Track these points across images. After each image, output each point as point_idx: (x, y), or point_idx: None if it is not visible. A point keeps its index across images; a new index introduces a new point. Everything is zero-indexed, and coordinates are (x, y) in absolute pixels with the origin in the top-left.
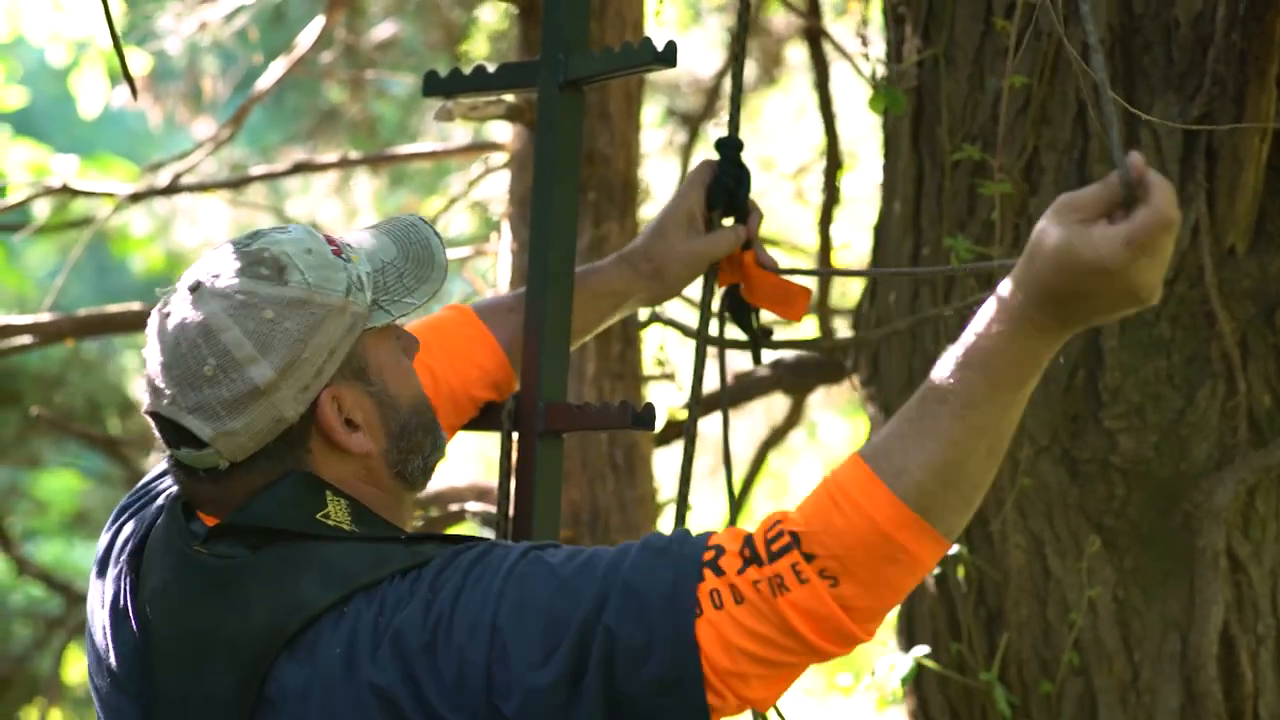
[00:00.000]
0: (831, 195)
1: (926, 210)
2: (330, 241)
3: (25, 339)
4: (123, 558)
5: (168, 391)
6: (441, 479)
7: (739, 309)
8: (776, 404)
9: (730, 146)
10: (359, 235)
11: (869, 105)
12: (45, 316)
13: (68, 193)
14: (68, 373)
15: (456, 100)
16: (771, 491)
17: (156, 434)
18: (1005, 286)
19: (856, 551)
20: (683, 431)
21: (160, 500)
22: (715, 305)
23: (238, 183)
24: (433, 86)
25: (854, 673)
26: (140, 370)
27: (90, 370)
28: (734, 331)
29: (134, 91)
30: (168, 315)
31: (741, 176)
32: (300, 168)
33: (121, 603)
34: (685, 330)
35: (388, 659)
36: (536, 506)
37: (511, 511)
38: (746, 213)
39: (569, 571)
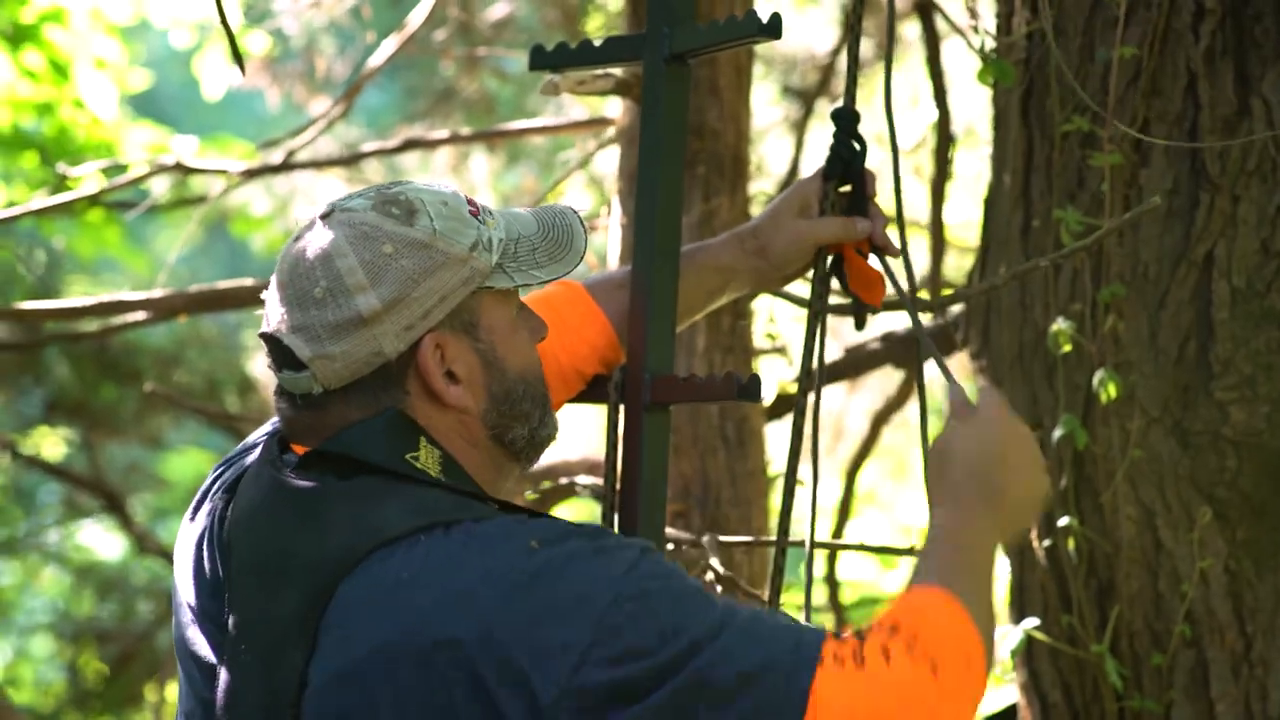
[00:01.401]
0: (943, 170)
1: (1036, 183)
2: (471, 204)
3: (139, 315)
4: (216, 494)
5: (281, 311)
6: (553, 453)
7: (845, 276)
8: (894, 379)
9: (846, 119)
10: (508, 210)
11: (978, 78)
12: (158, 292)
13: (182, 170)
14: (186, 351)
15: (564, 75)
16: (886, 470)
17: (267, 358)
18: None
19: (951, 646)
20: (794, 405)
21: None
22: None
23: (350, 159)
24: (539, 60)
25: None
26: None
27: (208, 348)
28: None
29: (242, 70)
30: (297, 239)
31: (857, 148)
32: (411, 144)
33: (210, 534)
34: (794, 299)
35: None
36: (643, 479)
37: (619, 485)
38: (864, 184)
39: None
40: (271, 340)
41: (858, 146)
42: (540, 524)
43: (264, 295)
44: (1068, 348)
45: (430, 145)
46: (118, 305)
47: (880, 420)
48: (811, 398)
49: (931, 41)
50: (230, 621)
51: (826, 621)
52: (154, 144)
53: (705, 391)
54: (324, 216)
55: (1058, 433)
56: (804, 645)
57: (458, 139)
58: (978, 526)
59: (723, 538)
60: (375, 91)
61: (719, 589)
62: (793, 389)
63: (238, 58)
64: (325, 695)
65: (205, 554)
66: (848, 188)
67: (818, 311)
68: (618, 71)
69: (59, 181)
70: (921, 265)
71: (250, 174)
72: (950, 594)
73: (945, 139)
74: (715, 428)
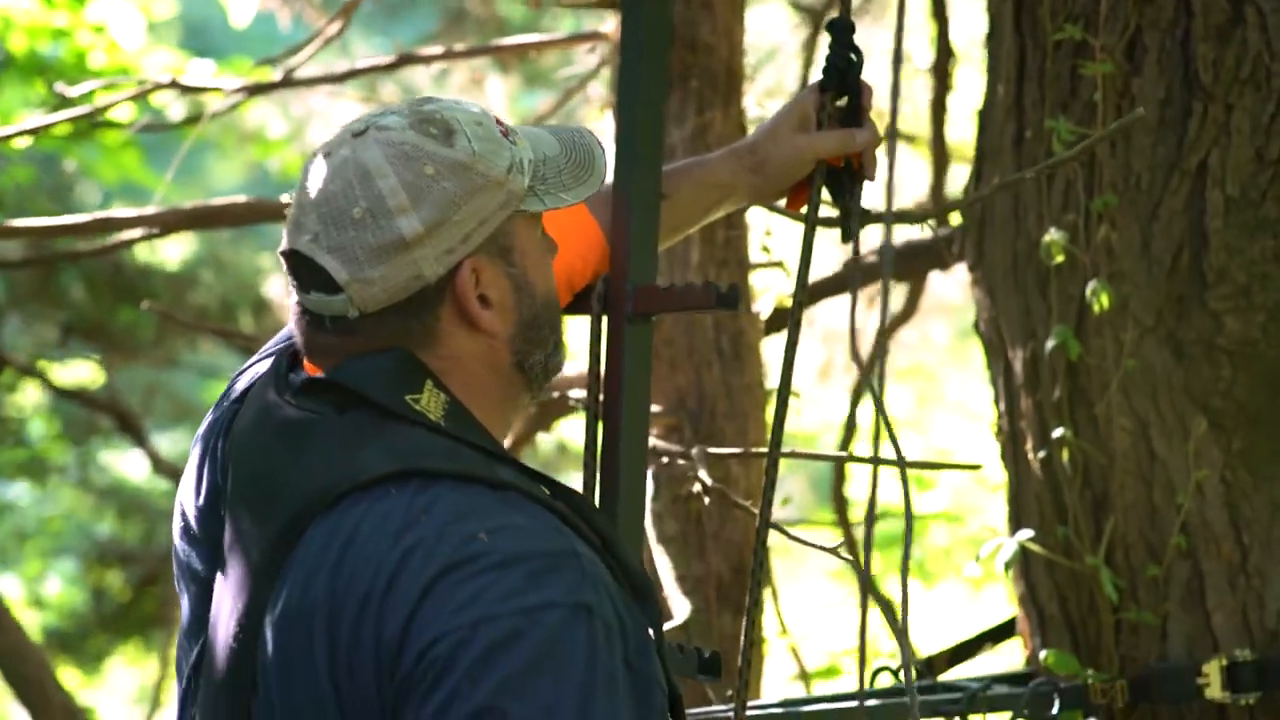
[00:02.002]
0: (943, 84)
1: (1029, 93)
2: (499, 123)
3: (136, 232)
4: (225, 405)
5: (311, 228)
6: None
7: (836, 187)
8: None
9: (841, 29)
10: (526, 129)
11: None
12: (152, 209)
13: (178, 89)
14: (200, 272)
15: None
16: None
17: (288, 275)
18: None
19: None
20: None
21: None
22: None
23: (343, 77)
24: None
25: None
26: (286, 211)
27: (224, 270)
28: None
29: None
30: (328, 155)
31: (853, 59)
32: (405, 60)
33: (212, 447)
34: (788, 213)
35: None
36: (626, 390)
37: (602, 396)
38: (860, 95)
39: None
40: (301, 259)
41: (854, 57)
42: (508, 511)
43: (286, 209)
44: (1060, 258)
45: (422, 61)
46: (114, 222)
47: (886, 335)
48: (827, 307)
49: None
50: (224, 539)
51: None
52: (171, 68)
53: (683, 300)
54: (358, 134)
55: (1051, 343)
56: None
57: (451, 55)
58: None
59: (712, 449)
60: (389, 12)
61: (707, 500)
62: (789, 302)
63: None
64: (276, 631)
65: (206, 467)
66: (844, 100)
67: (813, 224)
68: None
69: (59, 102)
70: (924, 180)
71: (251, 91)
72: None
73: (945, 52)
74: (710, 341)
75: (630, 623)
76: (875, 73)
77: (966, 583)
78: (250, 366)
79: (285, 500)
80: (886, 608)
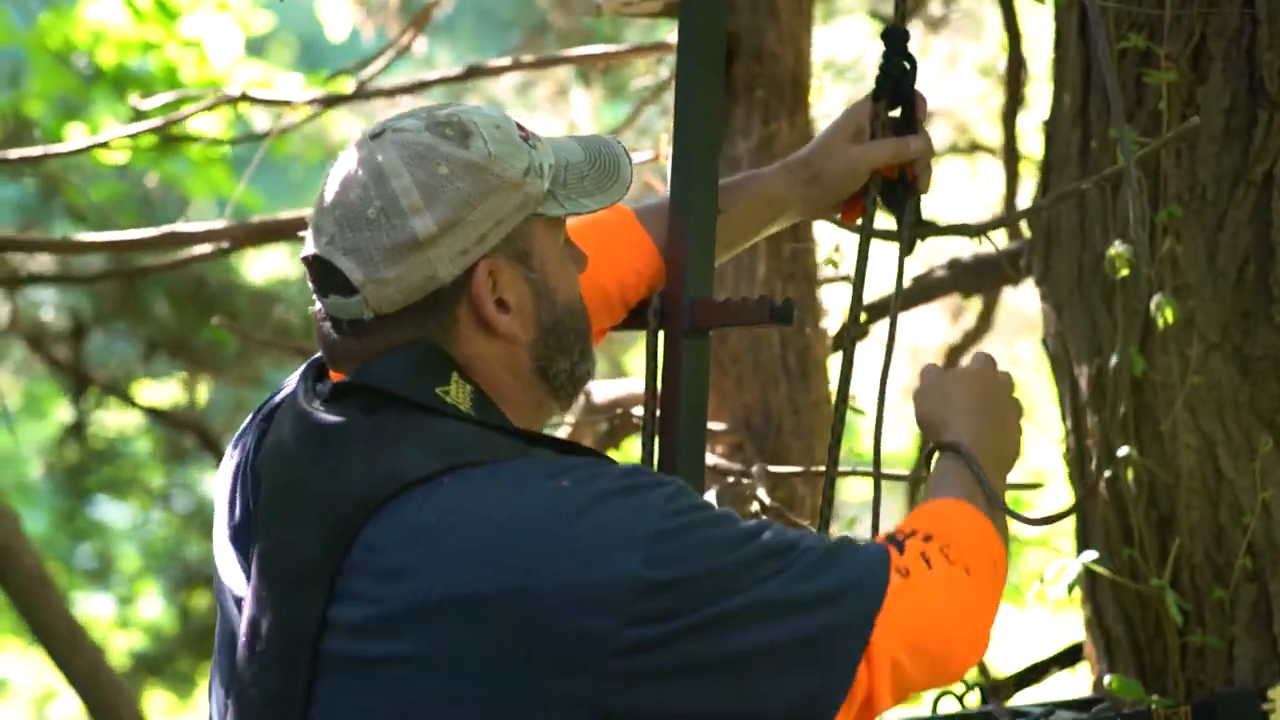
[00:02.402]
0: (1015, 94)
1: (1094, 102)
2: (520, 128)
3: (205, 248)
4: (255, 423)
5: (328, 230)
6: (621, 386)
7: (893, 199)
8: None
9: (896, 37)
10: (554, 138)
11: None
12: (219, 224)
13: (247, 101)
14: (284, 290)
15: None
16: None
17: (309, 282)
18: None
19: (980, 551)
20: (860, 334)
21: None
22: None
23: (412, 89)
24: None
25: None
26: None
27: (306, 285)
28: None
29: None
30: (347, 158)
31: (907, 67)
32: (472, 72)
33: (243, 464)
34: (843, 224)
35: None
36: (683, 405)
37: (659, 411)
38: (914, 104)
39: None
40: (319, 263)
41: (907, 65)
42: (567, 462)
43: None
44: (1125, 272)
45: (492, 73)
46: (181, 236)
47: (957, 352)
48: (901, 322)
49: None
50: (255, 553)
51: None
52: (259, 81)
53: (738, 315)
54: (374, 136)
55: (1115, 359)
56: (872, 568)
57: (518, 66)
58: (987, 449)
59: (772, 467)
60: (473, 25)
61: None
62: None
63: None
64: (353, 641)
65: (238, 485)
66: (898, 110)
67: (868, 235)
68: None
69: (134, 116)
70: (997, 191)
71: (325, 104)
72: (971, 505)
73: (1016, 62)
74: (777, 358)
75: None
76: (956, 83)
77: (1055, 605)
78: (285, 386)
79: (324, 507)
80: None
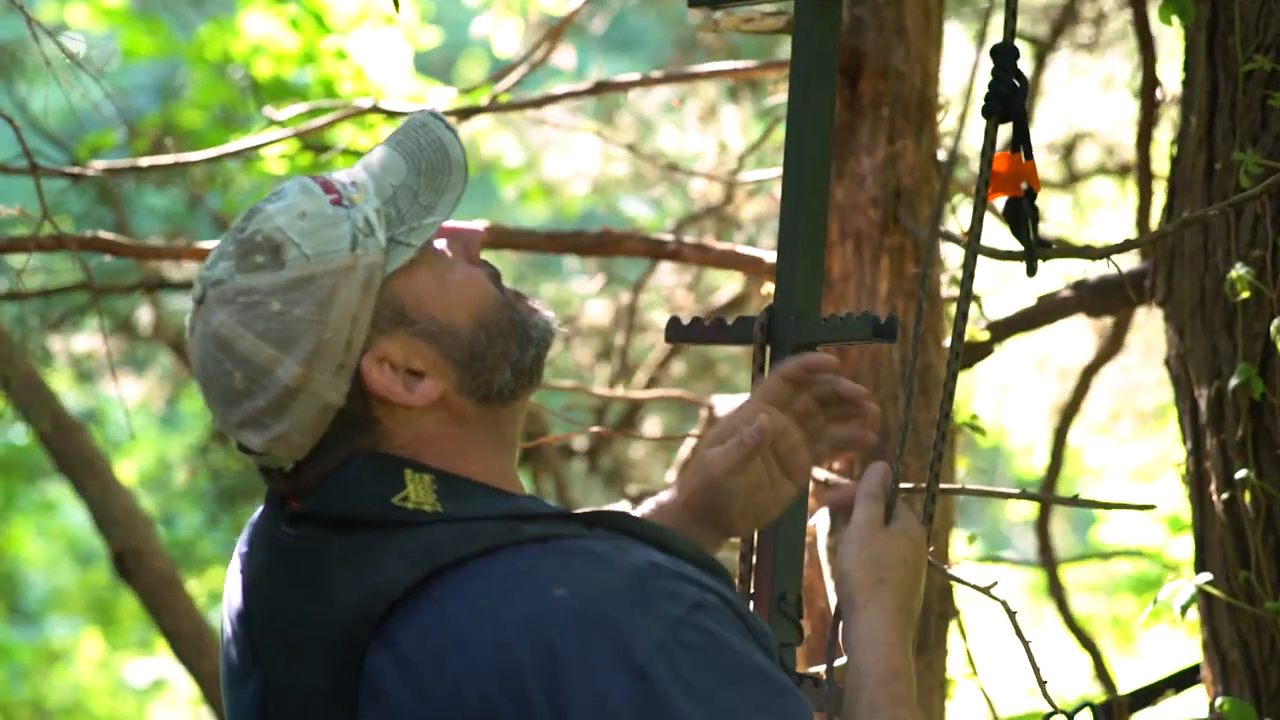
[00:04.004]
0: (1149, 115)
1: (1220, 124)
2: (329, 189)
3: None
4: (236, 554)
5: (218, 411)
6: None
7: (1016, 219)
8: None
9: (1005, 54)
10: (368, 158)
11: (1159, 16)
12: None
13: (379, 113)
14: None
15: (727, 12)
16: (1095, 426)
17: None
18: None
19: None
20: (983, 353)
21: None
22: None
23: (541, 101)
24: None
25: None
26: None
27: None
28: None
29: (396, 4)
30: (193, 333)
31: (1017, 85)
32: (601, 87)
33: (233, 600)
34: (957, 240)
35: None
36: None
37: None
38: (1024, 122)
39: None
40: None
41: (1017, 83)
42: (566, 552)
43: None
44: (1246, 294)
45: (620, 88)
46: None
47: (1090, 372)
48: (1032, 341)
49: None
50: (266, 687)
51: (1037, 579)
52: (413, 95)
53: (844, 331)
54: (200, 301)
55: (1234, 382)
56: None
57: (647, 81)
58: (903, 634)
59: None
60: (622, 42)
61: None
62: (982, 336)
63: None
64: None
65: (236, 613)
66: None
67: (974, 253)
68: (788, 9)
69: (269, 125)
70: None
71: (462, 115)
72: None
73: (1150, 83)
74: (897, 375)
75: (721, 593)
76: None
77: (1186, 627)
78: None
79: (320, 636)
80: (1089, 646)
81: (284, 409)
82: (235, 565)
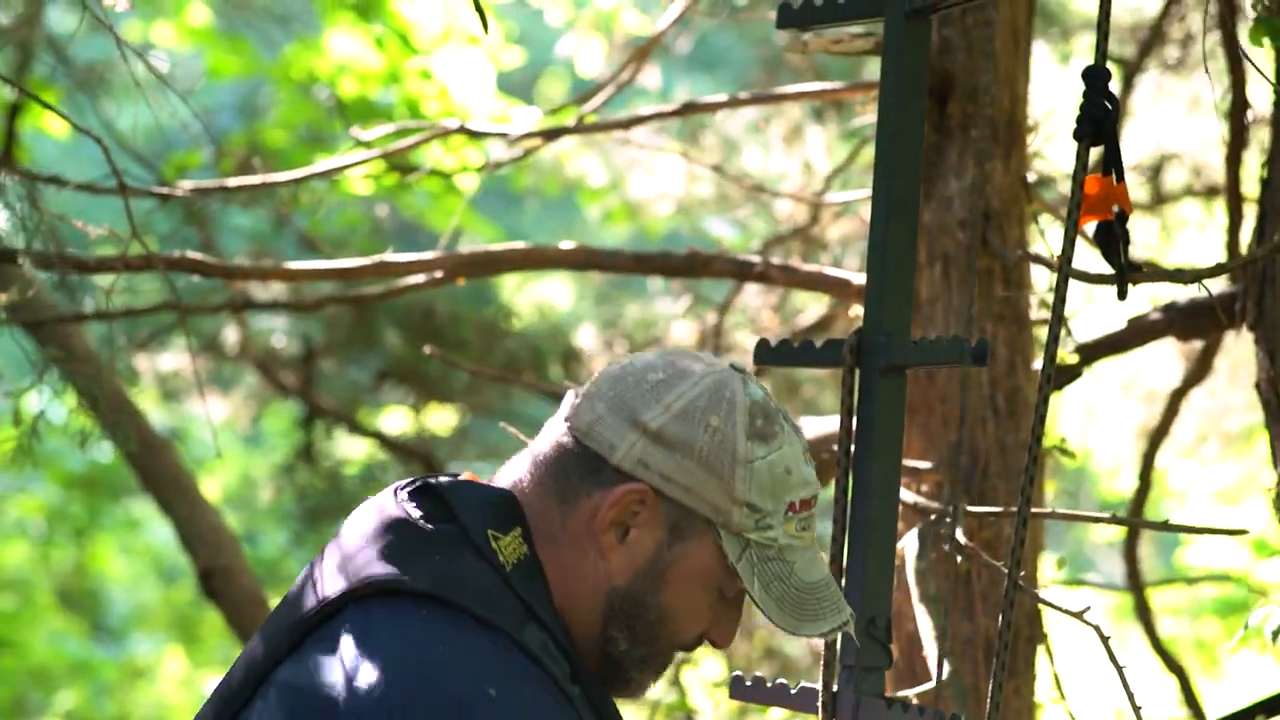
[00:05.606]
0: (1239, 136)
1: None
2: (805, 504)
3: (418, 278)
4: None
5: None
6: (826, 424)
7: (1108, 243)
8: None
9: (1097, 77)
10: (814, 555)
11: (1249, 38)
12: (428, 254)
13: (465, 134)
14: (509, 321)
15: (816, 33)
16: (1181, 448)
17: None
18: None
19: None
20: (1072, 375)
21: None
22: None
23: (629, 123)
24: (786, 18)
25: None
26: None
27: (537, 318)
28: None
29: (485, 25)
30: (707, 373)
31: (1109, 108)
32: (689, 108)
33: None
34: (1048, 263)
35: None
36: (877, 443)
37: (853, 449)
38: (1116, 144)
39: None
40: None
41: (1109, 105)
42: (524, 679)
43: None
44: None
45: (707, 109)
46: (392, 266)
47: (1179, 395)
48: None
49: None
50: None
51: (1122, 602)
52: (497, 115)
53: (935, 354)
54: (740, 370)
55: None
56: None
57: (735, 103)
58: None
59: (971, 507)
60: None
61: (959, 559)
62: (1071, 359)
63: (480, 12)
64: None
65: None
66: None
67: (1065, 276)
68: (878, 30)
69: (354, 145)
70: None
71: (547, 137)
72: None
73: (1240, 103)
74: (985, 397)
75: None
76: (1192, 124)
77: (1275, 652)
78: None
79: (330, 580)
80: (1177, 670)
81: (617, 412)
82: None
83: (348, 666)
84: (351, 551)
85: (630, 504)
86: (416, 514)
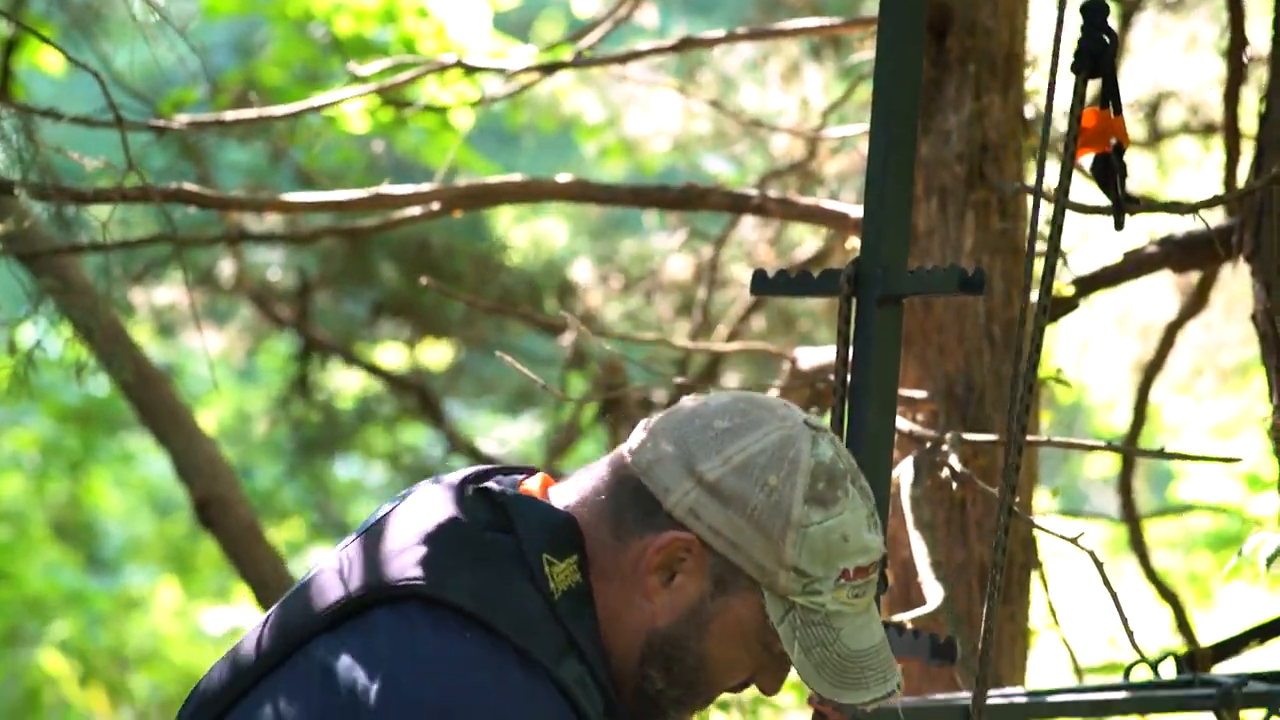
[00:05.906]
0: (1236, 73)
1: None
2: (861, 570)
3: (415, 210)
4: None
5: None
6: (824, 353)
7: (1106, 174)
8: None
9: (1095, 10)
10: (874, 625)
11: None
12: (425, 186)
13: (461, 68)
14: (505, 255)
15: None
16: (1176, 383)
17: None
18: None
19: None
20: (1067, 308)
21: None
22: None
23: (626, 57)
24: None
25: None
26: None
27: (532, 253)
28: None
29: None
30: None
31: (1106, 41)
32: (686, 43)
33: None
34: (1045, 195)
35: None
36: (874, 372)
37: (849, 378)
38: (1114, 78)
39: None
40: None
41: (1107, 40)
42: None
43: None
44: None
45: (705, 44)
46: (388, 198)
47: (1174, 329)
48: (1117, 295)
49: None
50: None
51: (1116, 535)
52: (493, 52)
53: (928, 284)
54: (816, 427)
55: None
56: None
57: (733, 37)
58: None
59: (967, 435)
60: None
61: (955, 486)
62: (1067, 291)
63: None
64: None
65: None
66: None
67: (1062, 208)
68: None
69: (351, 81)
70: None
71: (545, 70)
72: None
73: (1238, 40)
74: (982, 328)
75: None
76: (1190, 63)
77: (1268, 581)
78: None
79: (373, 568)
80: (1171, 599)
81: (677, 456)
82: None
83: (386, 669)
84: (401, 544)
85: (676, 551)
86: (476, 518)
